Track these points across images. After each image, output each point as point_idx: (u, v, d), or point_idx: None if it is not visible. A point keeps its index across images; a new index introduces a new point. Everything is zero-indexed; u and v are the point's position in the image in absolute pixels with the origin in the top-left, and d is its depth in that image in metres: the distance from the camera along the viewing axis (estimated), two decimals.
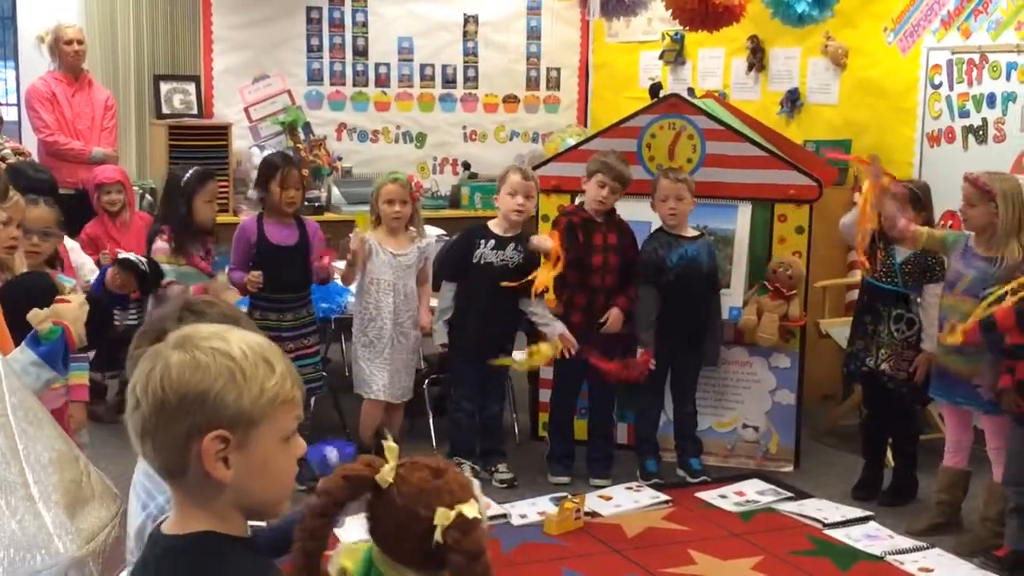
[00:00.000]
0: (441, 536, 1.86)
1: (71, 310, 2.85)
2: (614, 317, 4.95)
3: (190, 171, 4.92)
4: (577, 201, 5.25)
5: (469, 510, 1.90)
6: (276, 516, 1.60)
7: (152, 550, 1.56)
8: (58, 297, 2.94)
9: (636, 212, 5.19)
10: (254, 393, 1.46)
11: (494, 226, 5.04)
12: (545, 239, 4.91)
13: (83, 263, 4.82)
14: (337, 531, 4.44)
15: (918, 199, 4.83)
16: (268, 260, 4.85)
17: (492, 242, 4.98)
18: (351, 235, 5.03)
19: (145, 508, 1.97)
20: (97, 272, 4.85)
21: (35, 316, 2.78)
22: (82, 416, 3.82)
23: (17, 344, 2.84)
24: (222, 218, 6.80)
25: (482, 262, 4.96)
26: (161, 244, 4.82)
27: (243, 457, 1.47)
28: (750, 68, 7.14)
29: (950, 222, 5.50)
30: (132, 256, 4.42)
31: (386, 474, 1.90)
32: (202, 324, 1.57)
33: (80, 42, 6.62)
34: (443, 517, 1.88)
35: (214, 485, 1.48)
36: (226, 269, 5.06)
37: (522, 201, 4.95)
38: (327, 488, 1.88)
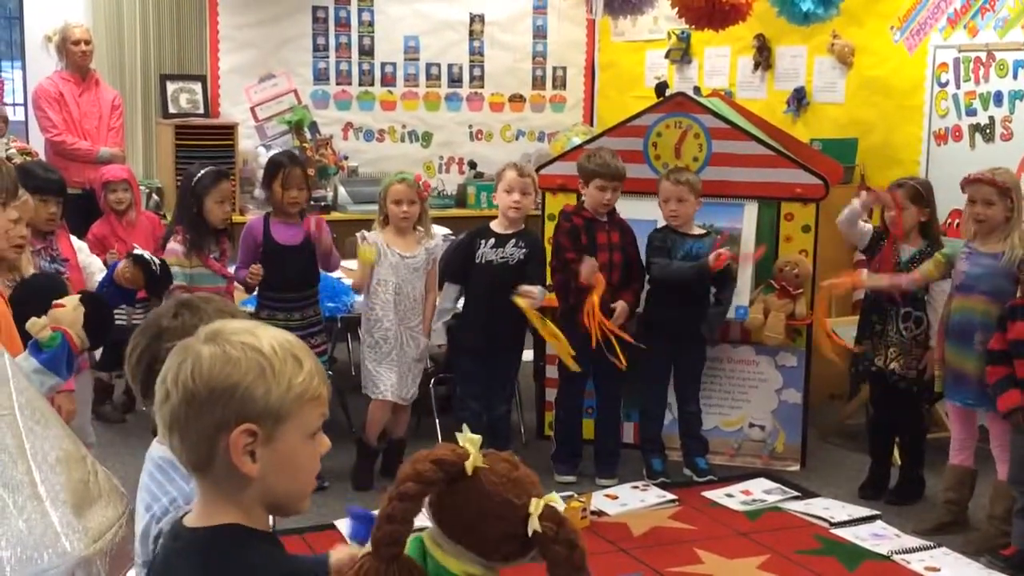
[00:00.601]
0: (539, 525, 1.89)
1: (67, 313, 2.85)
2: (621, 309, 4.94)
3: (202, 171, 4.92)
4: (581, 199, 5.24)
5: (555, 503, 1.95)
6: (297, 512, 1.61)
7: (173, 543, 1.57)
8: (54, 302, 2.93)
9: (640, 211, 5.19)
10: (282, 388, 1.48)
11: (495, 225, 5.04)
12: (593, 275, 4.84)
13: (90, 263, 4.83)
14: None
15: (921, 196, 4.83)
16: (274, 259, 4.86)
17: (492, 240, 4.97)
18: (358, 240, 5.02)
19: (149, 510, 1.97)
20: (105, 272, 4.86)
21: (33, 325, 2.78)
22: (72, 406, 3.80)
23: (26, 345, 2.85)
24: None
25: (483, 261, 4.96)
26: (174, 245, 4.82)
27: (270, 452, 1.49)
28: (756, 67, 7.13)
29: (956, 220, 5.49)
30: (146, 254, 4.45)
31: (476, 460, 1.91)
32: (232, 320, 1.59)
33: (88, 42, 6.64)
34: (536, 507, 1.91)
35: (240, 479, 1.49)
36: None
37: (518, 197, 4.94)
38: (418, 472, 1.89)
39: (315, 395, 1.52)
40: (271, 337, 1.51)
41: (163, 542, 1.63)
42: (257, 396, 1.47)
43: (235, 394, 1.46)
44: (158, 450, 2.01)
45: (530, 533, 1.90)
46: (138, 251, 4.43)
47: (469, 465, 1.93)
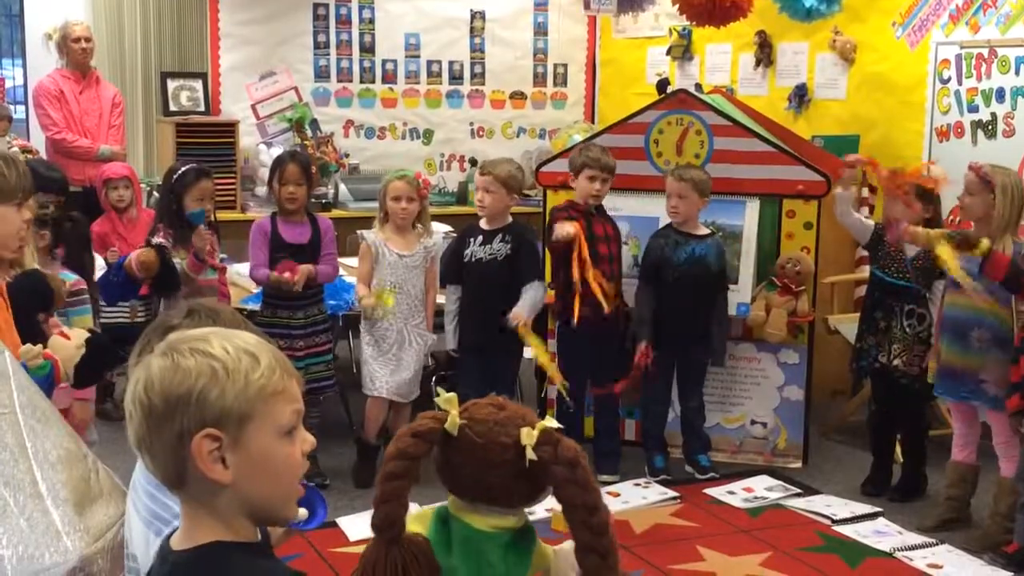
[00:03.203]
0: (535, 453, 1.88)
1: (66, 348, 2.83)
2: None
3: (182, 168, 4.90)
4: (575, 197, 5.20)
5: (549, 423, 1.93)
6: (285, 520, 1.56)
7: (163, 567, 1.54)
8: (59, 331, 2.92)
9: (642, 208, 5.19)
10: (239, 387, 1.43)
11: (483, 223, 5.06)
12: (566, 227, 4.82)
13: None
14: (344, 527, 4.41)
15: (925, 193, 4.82)
16: (281, 258, 4.84)
17: (480, 238, 4.99)
18: (359, 238, 5.02)
19: (160, 533, 1.89)
20: (104, 270, 4.86)
21: (28, 352, 2.75)
22: (86, 415, 3.81)
23: (24, 341, 2.84)
24: (230, 215, 6.83)
25: (472, 259, 4.98)
26: (159, 240, 4.82)
27: (240, 455, 1.44)
28: (758, 63, 7.12)
29: (958, 218, 5.47)
30: (169, 249, 4.52)
31: (455, 419, 1.93)
32: (191, 329, 1.55)
33: (88, 40, 6.63)
34: (528, 436, 1.91)
35: (215, 489, 1.45)
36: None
37: (480, 196, 4.99)
38: (400, 449, 1.88)
39: (278, 389, 1.46)
40: (225, 340, 1.47)
41: (153, 564, 1.60)
42: (212, 399, 1.42)
43: (190, 400, 1.42)
44: None
45: (527, 464, 1.89)
46: (159, 241, 4.49)
47: (450, 426, 1.92)
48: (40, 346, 2.80)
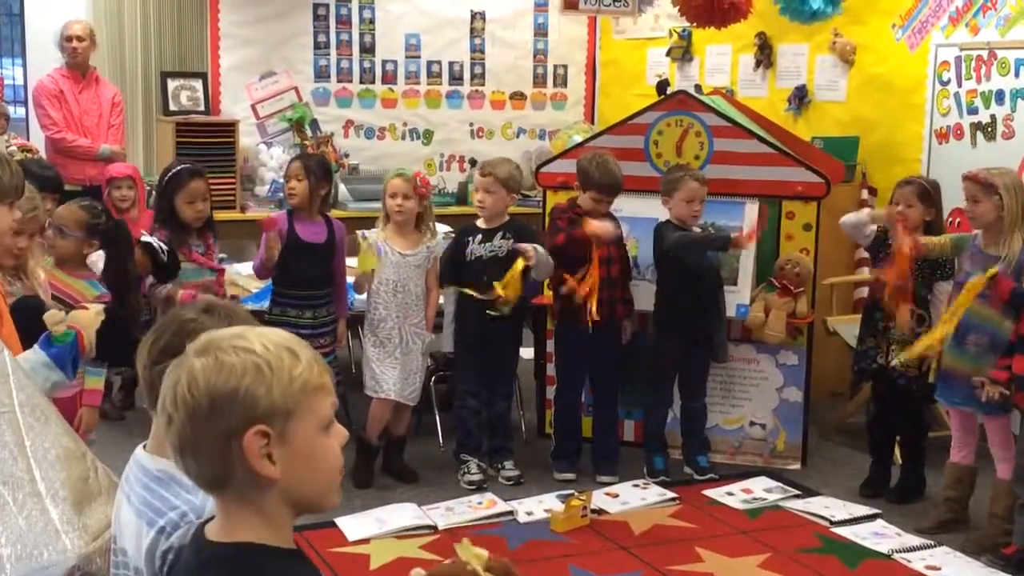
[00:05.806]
0: None
1: (87, 316, 2.86)
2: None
3: (174, 170, 4.90)
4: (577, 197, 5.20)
5: None
6: (329, 508, 1.57)
7: (197, 555, 1.53)
8: (81, 303, 2.94)
9: (642, 209, 5.19)
10: (284, 383, 1.45)
11: (480, 222, 5.07)
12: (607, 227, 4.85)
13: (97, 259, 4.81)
14: (342, 527, 4.42)
15: (928, 195, 4.83)
16: (297, 256, 4.85)
17: (479, 236, 5.01)
18: (359, 238, 5.03)
19: (153, 524, 1.87)
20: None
21: (51, 317, 2.79)
22: (93, 420, 3.81)
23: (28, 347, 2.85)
24: (229, 215, 6.83)
25: (473, 258, 4.99)
26: (146, 238, 4.81)
27: (287, 451, 1.45)
28: (758, 65, 7.12)
29: (958, 219, 5.48)
30: (154, 241, 4.49)
31: None
32: (222, 329, 1.55)
33: (81, 39, 6.58)
34: None
35: (262, 485, 1.46)
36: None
37: (481, 197, 5.01)
38: None
39: (318, 384, 1.48)
40: (261, 336, 1.49)
41: (186, 555, 1.58)
42: (260, 395, 1.43)
43: (237, 398, 1.43)
44: (151, 462, 1.92)
45: None
46: (146, 238, 4.47)
47: None
48: (63, 312, 2.82)
